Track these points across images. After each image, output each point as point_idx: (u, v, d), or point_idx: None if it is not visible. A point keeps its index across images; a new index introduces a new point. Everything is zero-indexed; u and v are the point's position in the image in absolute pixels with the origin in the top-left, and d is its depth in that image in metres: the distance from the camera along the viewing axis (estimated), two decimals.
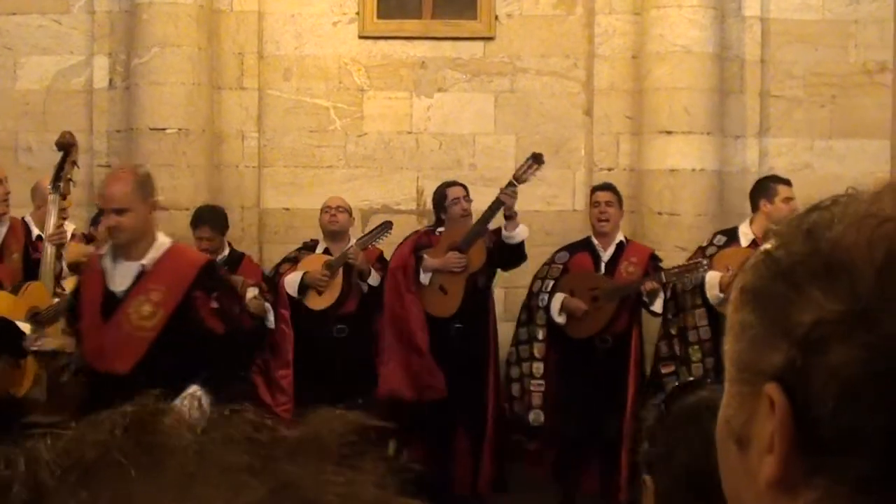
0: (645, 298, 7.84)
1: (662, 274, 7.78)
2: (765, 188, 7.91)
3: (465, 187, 8.17)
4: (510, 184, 7.87)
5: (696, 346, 7.85)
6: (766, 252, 0.97)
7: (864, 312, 0.87)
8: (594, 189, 8.34)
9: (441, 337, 7.92)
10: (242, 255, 8.37)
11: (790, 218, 0.98)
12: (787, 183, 7.86)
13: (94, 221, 8.30)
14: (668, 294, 7.86)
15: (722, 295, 7.66)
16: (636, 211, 9.34)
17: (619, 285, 7.89)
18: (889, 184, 0.94)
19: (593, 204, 8.14)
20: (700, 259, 7.79)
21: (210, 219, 8.08)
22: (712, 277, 7.71)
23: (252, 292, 7.87)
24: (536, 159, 7.98)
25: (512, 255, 8.04)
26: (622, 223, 8.38)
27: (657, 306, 7.87)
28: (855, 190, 0.96)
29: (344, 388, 7.58)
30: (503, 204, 7.80)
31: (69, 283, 7.21)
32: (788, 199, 7.71)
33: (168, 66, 9.11)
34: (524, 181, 7.93)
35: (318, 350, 7.97)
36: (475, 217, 8.04)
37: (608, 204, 8.06)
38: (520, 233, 7.94)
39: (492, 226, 8.00)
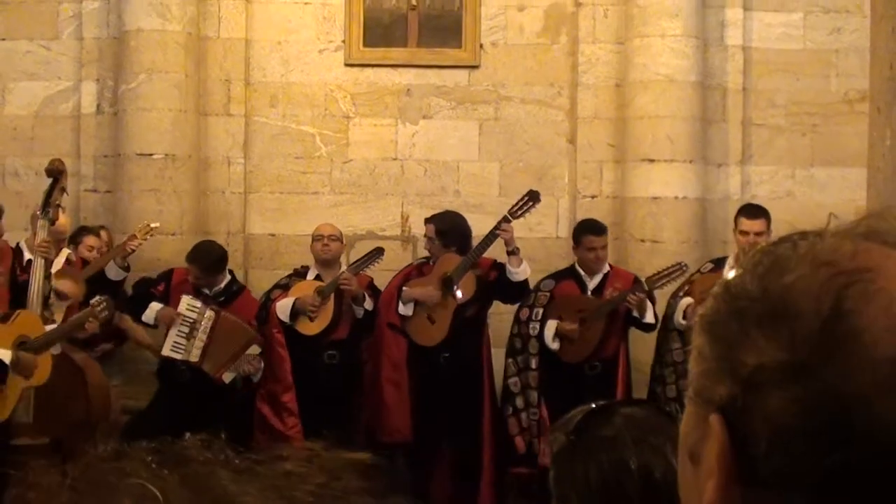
0: (635, 314, 7.86)
1: (644, 283, 7.81)
2: (735, 218, 8.00)
3: (437, 224, 8.17)
4: (505, 219, 7.90)
5: (671, 368, 7.92)
6: (726, 285, 0.98)
7: (802, 365, 0.89)
8: (585, 231, 8.17)
9: (429, 366, 7.95)
10: (242, 288, 8.38)
11: (757, 250, 0.98)
12: (752, 213, 7.89)
13: (72, 241, 8.36)
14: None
15: (685, 322, 7.74)
16: (619, 238, 9.40)
17: (605, 301, 7.90)
18: (851, 230, 0.96)
19: (587, 248, 8.00)
20: (679, 263, 7.84)
21: (198, 261, 8.02)
22: (682, 303, 7.80)
23: (254, 350, 7.93)
24: (533, 197, 7.98)
25: (515, 290, 8.06)
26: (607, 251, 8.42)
27: (649, 317, 7.88)
28: (827, 226, 0.97)
29: (331, 413, 7.66)
30: (495, 238, 7.83)
31: (59, 314, 7.27)
32: (744, 233, 7.76)
33: (155, 93, 9.16)
34: (518, 217, 7.97)
35: (308, 375, 7.98)
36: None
37: (603, 248, 8.05)
38: (524, 269, 7.97)
39: (491, 255, 8.05)
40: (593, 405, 2.37)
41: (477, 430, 7.99)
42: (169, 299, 7.97)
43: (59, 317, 7.32)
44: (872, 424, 0.87)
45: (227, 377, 7.93)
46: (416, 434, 7.97)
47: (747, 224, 7.80)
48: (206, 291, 8.01)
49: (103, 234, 8.72)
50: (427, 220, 8.34)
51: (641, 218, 9.29)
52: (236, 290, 8.25)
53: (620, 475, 2.19)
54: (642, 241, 9.24)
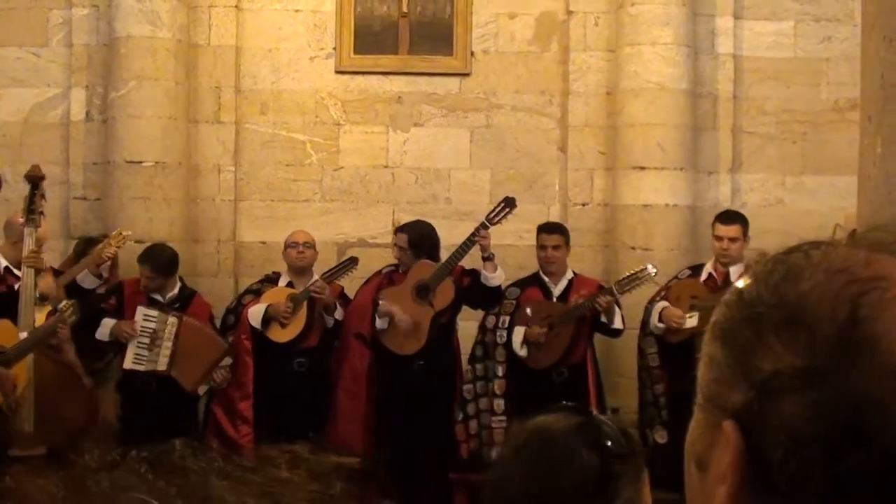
0: (603, 319, 7.86)
1: (613, 287, 7.82)
2: (712, 224, 8.04)
3: (409, 233, 8.17)
4: (483, 225, 7.92)
5: (646, 372, 7.95)
6: (739, 292, 0.99)
7: (818, 371, 0.90)
8: (540, 229, 8.32)
9: (404, 374, 7.94)
10: (193, 292, 8.32)
11: (768, 259, 0.99)
12: (726, 219, 7.97)
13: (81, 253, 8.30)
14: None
15: (662, 325, 7.78)
16: (610, 246, 9.42)
17: (573, 307, 7.93)
18: (861, 240, 0.97)
19: (539, 246, 8.17)
20: (645, 266, 7.87)
21: (150, 260, 8.03)
22: (657, 307, 7.82)
23: (227, 361, 7.91)
24: (509, 203, 8.02)
25: (489, 296, 8.09)
26: (597, 258, 8.43)
27: (617, 322, 7.91)
28: (834, 236, 0.98)
29: (299, 420, 7.63)
30: (473, 245, 7.84)
31: (40, 317, 7.24)
32: (718, 238, 7.82)
33: (145, 100, 9.14)
34: (495, 224, 7.98)
35: (277, 382, 7.98)
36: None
37: (555, 248, 8.11)
38: (499, 275, 8.00)
39: (468, 265, 8.05)
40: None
41: (450, 435, 7.99)
42: (123, 313, 7.92)
43: (40, 319, 7.28)
44: (887, 431, 0.87)
45: (202, 389, 7.94)
46: (385, 445, 7.93)
47: (721, 230, 7.86)
48: (161, 299, 7.97)
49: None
50: (399, 230, 8.33)
51: (632, 226, 9.29)
52: (188, 294, 8.23)
53: (540, 473, 2.19)
54: (633, 248, 9.24)
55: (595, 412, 2.33)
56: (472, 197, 9.71)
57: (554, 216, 9.56)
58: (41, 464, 6.47)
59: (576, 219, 9.39)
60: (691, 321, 7.67)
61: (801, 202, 9.71)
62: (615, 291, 7.80)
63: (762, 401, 0.93)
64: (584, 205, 9.65)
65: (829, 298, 0.91)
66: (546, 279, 8.14)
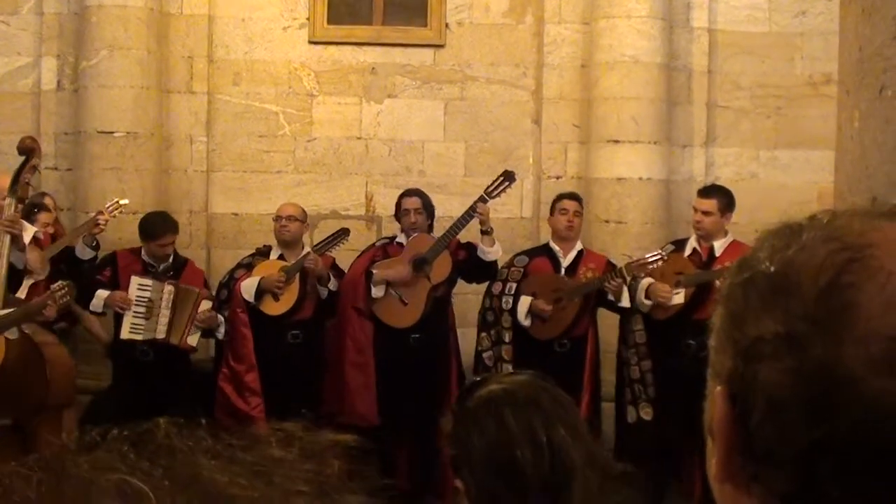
0: (610, 297, 7.85)
1: (623, 269, 7.79)
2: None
3: (422, 197, 8.20)
4: (481, 199, 7.90)
5: (633, 350, 7.93)
6: (743, 257, 0.99)
7: (796, 337, 0.89)
8: (561, 196, 8.29)
9: (399, 348, 7.93)
10: (186, 260, 8.31)
11: (782, 225, 0.99)
12: (703, 193, 7.94)
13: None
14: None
15: (649, 301, 7.77)
16: (583, 219, 9.41)
17: (582, 283, 7.92)
18: (875, 209, 0.96)
19: (560, 211, 8.10)
20: (659, 251, 7.85)
21: (166, 226, 8.00)
22: (643, 284, 7.81)
23: (206, 304, 7.89)
24: (508, 177, 8.02)
25: (484, 270, 8.09)
26: None
27: (624, 301, 7.86)
28: (845, 209, 0.97)
29: (294, 395, 7.64)
30: (471, 218, 7.83)
31: (22, 291, 7.18)
32: (695, 209, 7.83)
33: (117, 69, 9.06)
34: (495, 197, 7.98)
35: (272, 355, 7.96)
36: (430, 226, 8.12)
37: (576, 213, 8.10)
38: (496, 250, 8.01)
39: (464, 239, 8.04)
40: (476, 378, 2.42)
41: (442, 409, 7.96)
42: (118, 283, 7.89)
43: (22, 294, 7.22)
44: (860, 401, 0.86)
45: (193, 340, 7.91)
46: (382, 417, 7.95)
47: (696, 202, 7.87)
48: (156, 268, 7.95)
49: (48, 200, 8.47)
50: (409, 194, 8.26)
51: (606, 199, 9.29)
52: (182, 262, 8.20)
53: (503, 435, 2.22)
54: (606, 221, 9.25)
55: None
56: (445, 169, 9.69)
57: (527, 189, 9.57)
58: (4, 434, 6.44)
59: (549, 192, 9.37)
60: (677, 298, 7.67)
61: (774, 176, 9.74)
62: (625, 273, 7.76)
63: (746, 367, 0.92)
64: (557, 178, 9.64)
65: (814, 265, 0.91)
66: (557, 249, 8.10)
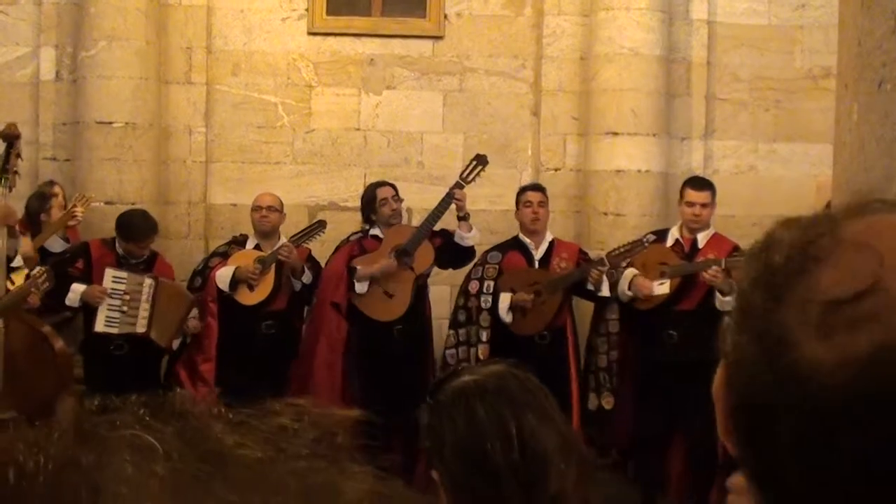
0: (590, 286, 7.83)
1: (605, 258, 7.78)
2: (681, 190, 8.01)
3: (394, 187, 8.18)
4: (457, 185, 7.91)
5: (603, 338, 7.92)
6: (753, 247, 1.00)
7: (757, 303, 0.92)
8: (523, 189, 8.33)
9: (383, 340, 7.92)
10: (156, 254, 8.17)
11: (783, 221, 1.00)
12: (698, 185, 7.90)
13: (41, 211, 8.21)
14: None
15: (630, 293, 7.76)
16: (581, 211, 9.43)
17: (563, 275, 7.91)
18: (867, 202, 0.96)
19: (524, 204, 8.11)
20: (641, 238, 7.84)
21: (147, 228, 7.92)
22: (627, 274, 7.80)
23: (194, 313, 7.88)
24: (480, 160, 8.02)
25: (463, 256, 8.09)
26: (569, 223, 8.41)
27: (605, 290, 7.84)
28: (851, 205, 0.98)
29: (265, 383, 7.58)
30: (449, 205, 7.83)
31: (19, 277, 7.16)
32: (689, 203, 7.79)
33: (116, 60, 9.06)
34: (470, 182, 7.97)
35: (244, 345, 7.92)
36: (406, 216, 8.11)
37: (540, 204, 8.10)
38: (474, 235, 8.01)
39: (438, 226, 8.03)
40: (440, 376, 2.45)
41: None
42: (91, 275, 7.78)
43: (19, 280, 7.21)
44: (797, 367, 0.87)
45: (176, 344, 7.92)
46: (369, 411, 7.92)
47: (693, 195, 7.81)
48: (132, 260, 7.91)
49: (57, 189, 8.49)
50: (381, 184, 8.21)
51: (604, 191, 9.30)
52: (152, 255, 8.10)
53: (475, 427, 2.24)
54: (605, 213, 9.26)
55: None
56: (444, 161, 9.69)
57: (526, 181, 9.55)
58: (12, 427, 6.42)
59: (548, 184, 9.35)
60: (662, 288, 7.66)
61: (773, 169, 9.74)
62: (607, 263, 7.74)
63: (726, 338, 0.96)
64: (556, 170, 9.65)
65: (787, 242, 0.93)
66: (528, 241, 8.09)
